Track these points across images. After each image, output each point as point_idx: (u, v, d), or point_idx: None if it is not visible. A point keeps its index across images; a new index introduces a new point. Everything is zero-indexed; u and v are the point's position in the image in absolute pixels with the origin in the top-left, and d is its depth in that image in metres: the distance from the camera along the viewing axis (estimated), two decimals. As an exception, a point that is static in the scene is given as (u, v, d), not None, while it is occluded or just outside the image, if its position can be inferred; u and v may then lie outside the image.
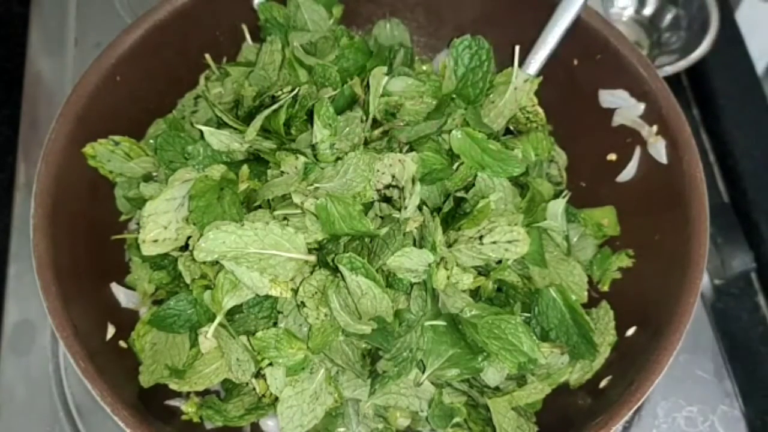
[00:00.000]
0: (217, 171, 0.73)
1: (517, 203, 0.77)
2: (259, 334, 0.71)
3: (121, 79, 0.79)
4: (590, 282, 0.80)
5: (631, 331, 0.76)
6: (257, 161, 0.78)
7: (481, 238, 0.72)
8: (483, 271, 0.76)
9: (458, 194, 0.76)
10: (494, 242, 0.72)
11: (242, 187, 0.74)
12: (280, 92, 0.77)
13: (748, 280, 1.00)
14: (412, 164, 0.71)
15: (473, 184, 0.76)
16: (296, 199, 0.71)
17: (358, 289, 0.69)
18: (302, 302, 0.71)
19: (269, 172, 0.76)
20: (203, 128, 0.76)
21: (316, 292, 0.71)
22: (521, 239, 0.71)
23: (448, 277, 0.73)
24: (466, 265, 0.74)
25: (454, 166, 0.77)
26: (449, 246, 0.73)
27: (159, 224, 0.72)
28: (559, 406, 0.74)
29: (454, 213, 0.76)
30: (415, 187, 0.71)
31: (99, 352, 0.70)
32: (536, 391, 0.73)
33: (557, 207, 0.78)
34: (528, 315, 0.75)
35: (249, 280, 0.69)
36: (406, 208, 0.71)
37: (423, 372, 0.72)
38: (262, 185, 0.75)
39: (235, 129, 0.77)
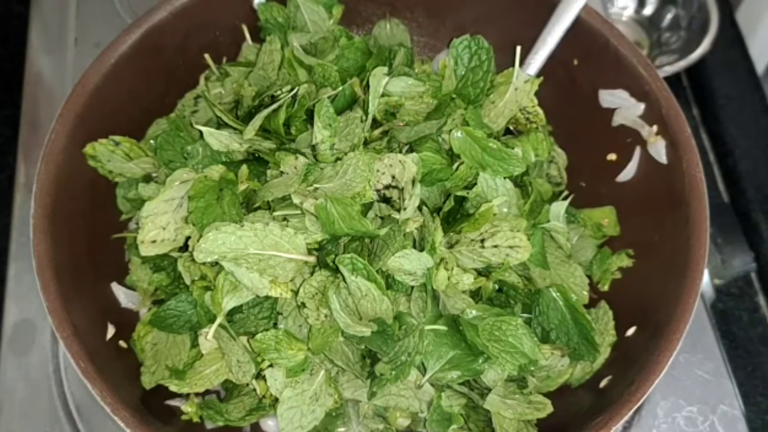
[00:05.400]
0: (216, 171, 0.73)
1: (520, 205, 0.77)
2: (258, 335, 0.70)
3: (121, 79, 0.79)
4: (590, 282, 0.80)
5: (631, 331, 0.76)
6: (257, 161, 0.78)
7: (482, 241, 0.72)
8: (483, 271, 0.76)
9: (459, 193, 0.76)
10: (495, 246, 0.72)
11: (242, 187, 0.74)
12: (279, 92, 0.77)
13: (748, 280, 1.00)
14: (412, 165, 0.71)
15: (474, 183, 0.76)
16: (296, 200, 0.71)
17: (359, 290, 0.69)
18: (302, 303, 0.71)
19: (269, 172, 0.76)
20: (202, 128, 0.75)
21: (316, 293, 0.71)
22: (523, 246, 0.71)
23: (448, 278, 0.72)
24: (467, 266, 0.74)
25: (454, 166, 0.77)
26: (450, 247, 0.73)
27: (157, 225, 0.72)
28: (559, 406, 0.74)
29: (455, 213, 0.75)
30: (415, 188, 0.71)
31: (99, 352, 0.70)
32: (541, 408, 0.73)
33: (559, 209, 0.78)
34: (529, 315, 0.75)
35: (249, 281, 0.69)
36: (405, 209, 0.71)
37: (423, 374, 0.72)
38: (261, 185, 0.75)
39: (234, 129, 0.77)
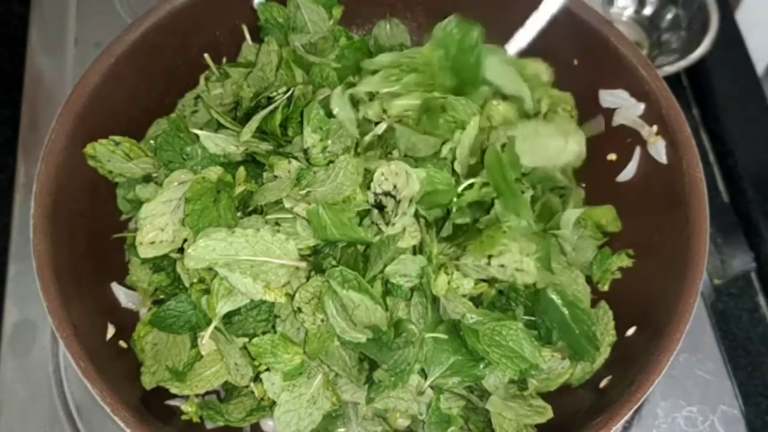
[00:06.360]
0: (214, 173, 0.73)
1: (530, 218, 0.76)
2: (255, 340, 0.70)
3: (121, 79, 0.79)
4: (590, 282, 0.80)
5: (631, 331, 0.76)
6: (255, 163, 0.77)
7: (489, 257, 0.71)
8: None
9: (459, 221, 0.74)
10: (502, 266, 0.71)
11: (239, 189, 0.74)
12: (276, 93, 0.76)
13: (748, 280, 1.00)
14: (416, 182, 0.70)
15: (473, 204, 0.75)
16: (287, 204, 0.70)
17: (351, 302, 0.69)
18: (299, 308, 0.70)
19: (264, 175, 0.76)
20: (199, 132, 0.75)
21: (312, 298, 0.71)
22: (529, 271, 0.70)
23: (448, 282, 0.72)
24: (471, 276, 0.73)
25: (459, 189, 0.75)
26: (457, 259, 0.72)
27: (156, 226, 0.72)
28: (559, 406, 0.74)
29: (458, 230, 0.74)
30: (410, 208, 0.70)
31: (99, 352, 0.70)
32: (541, 412, 0.73)
33: (571, 216, 0.78)
34: (530, 318, 0.75)
35: (243, 286, 0.69)
36: (393, 224, 0.70)
37: (425, 379, 0.72)
38: (258, 188, 0.75)
39: (232, 131, 0.77)
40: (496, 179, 0.73)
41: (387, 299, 0.72)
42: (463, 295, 0.74)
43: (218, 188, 0.72)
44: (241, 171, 0.75)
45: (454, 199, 0.74)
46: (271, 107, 0.75)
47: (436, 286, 0.71)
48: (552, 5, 0.80)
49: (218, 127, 0.79)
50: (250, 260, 0.68)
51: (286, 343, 0.71)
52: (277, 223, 0.72)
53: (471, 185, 0.74)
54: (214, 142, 0.75)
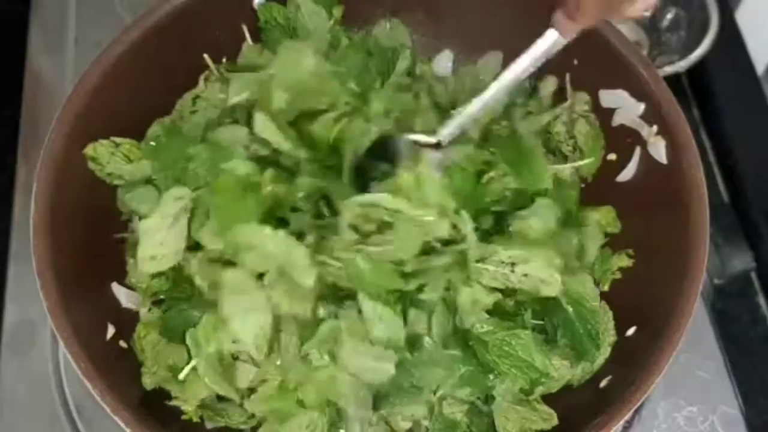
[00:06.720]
0: (241, 166, 0.70)
1: (557, 221, 0.76)
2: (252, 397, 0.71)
3: (121, 79, 0.79)
4: (590, 282, 0.80)
5: (631, 331, 0.76)
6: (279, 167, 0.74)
7: (513, 265, 0.70)
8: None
9: (495, 208, 0.74)
10: (526, 275, 0.70)
11: (266, 190, 0.70)
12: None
13: (748, 280, 1.00)
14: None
15: (506, 197, 0.75)
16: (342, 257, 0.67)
17: (376, 316, 0.68)
18: (306, 354, 0.70)
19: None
20: (257, 115, 0.71)
21: (323, 341, 0.70)
22: (554, 284, 0.70)
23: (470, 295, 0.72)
24: (488, 285, 0.72)
25: (483, 179, 0.75)
26: (477, 261, 0.71)
27: (155, 241, 0.71)
28: (559, 406, 0.74)
29: (494, 230, 0.74)
30: (463, 214, 0.68)
31: (99, 352, 0.70)
32: (547, 418, 0.73)
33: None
34: (540, 322, 0.75)
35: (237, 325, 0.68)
36: (465, 237, 0.69)
37: (434, 393, 0.72)
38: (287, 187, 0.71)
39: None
40: (508, 155, 0.74)
41: (410, 312, 0.71)
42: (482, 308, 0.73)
43: (244, 187, 0.70)
44: (268, 173, 0.71)
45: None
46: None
47: (460, 297, 0.70)
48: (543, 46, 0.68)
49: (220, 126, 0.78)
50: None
51: (285, 392, 0.71)
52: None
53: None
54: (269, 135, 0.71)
